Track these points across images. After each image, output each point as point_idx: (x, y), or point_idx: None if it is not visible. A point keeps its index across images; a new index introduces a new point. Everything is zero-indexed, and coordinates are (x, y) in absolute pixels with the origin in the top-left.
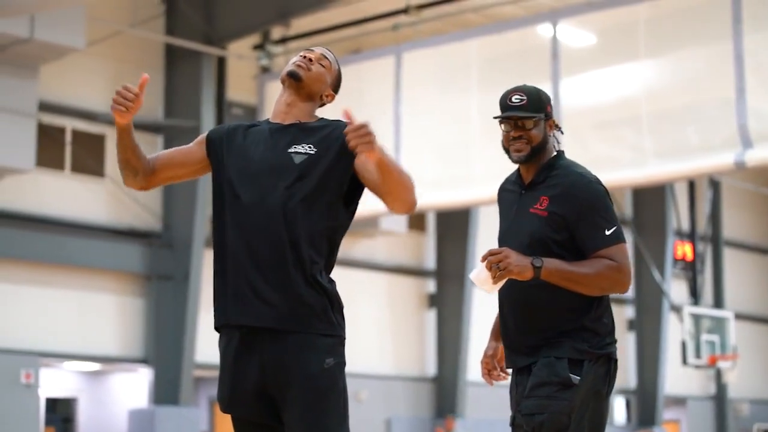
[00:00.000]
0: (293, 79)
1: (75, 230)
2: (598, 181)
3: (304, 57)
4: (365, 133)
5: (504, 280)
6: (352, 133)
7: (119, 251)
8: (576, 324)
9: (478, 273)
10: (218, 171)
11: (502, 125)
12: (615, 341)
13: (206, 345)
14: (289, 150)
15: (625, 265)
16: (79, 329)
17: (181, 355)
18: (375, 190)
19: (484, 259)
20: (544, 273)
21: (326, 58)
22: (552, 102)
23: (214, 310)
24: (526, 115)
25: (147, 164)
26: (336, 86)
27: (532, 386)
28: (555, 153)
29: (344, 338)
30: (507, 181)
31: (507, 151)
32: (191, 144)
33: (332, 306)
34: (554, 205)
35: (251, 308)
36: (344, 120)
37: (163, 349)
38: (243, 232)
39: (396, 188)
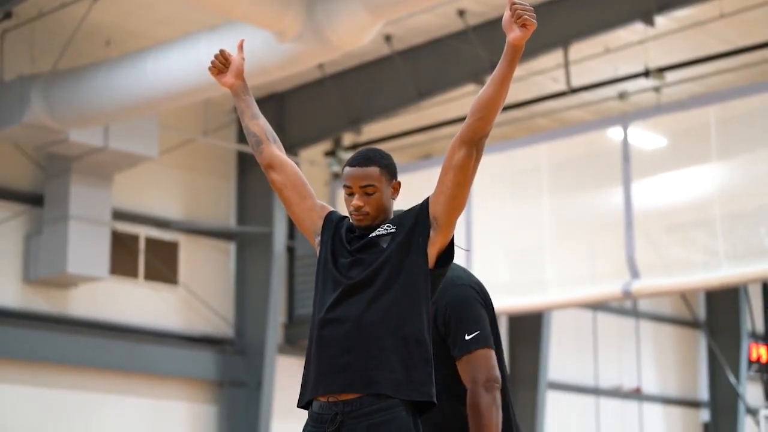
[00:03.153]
0: (363, 230)
1: (148, 337)
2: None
3: (355, 208)
4: (532, 9)
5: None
6: (520, 5)
7: (192, 358)
8: None
9: None
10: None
11: None
12: None
13: None
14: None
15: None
16: None
17: None
18: (481, 105)
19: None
20: None
21: (370, 184)
22: (624, 205)
23: None
24: None
25: (269, 140)
26: (393, 176)
27: None
28: None
29: None
30: None
31: None
32: (315, 198)
33: None
34: None
35: None
36: None
37: None
38: None
39: (502, 96)
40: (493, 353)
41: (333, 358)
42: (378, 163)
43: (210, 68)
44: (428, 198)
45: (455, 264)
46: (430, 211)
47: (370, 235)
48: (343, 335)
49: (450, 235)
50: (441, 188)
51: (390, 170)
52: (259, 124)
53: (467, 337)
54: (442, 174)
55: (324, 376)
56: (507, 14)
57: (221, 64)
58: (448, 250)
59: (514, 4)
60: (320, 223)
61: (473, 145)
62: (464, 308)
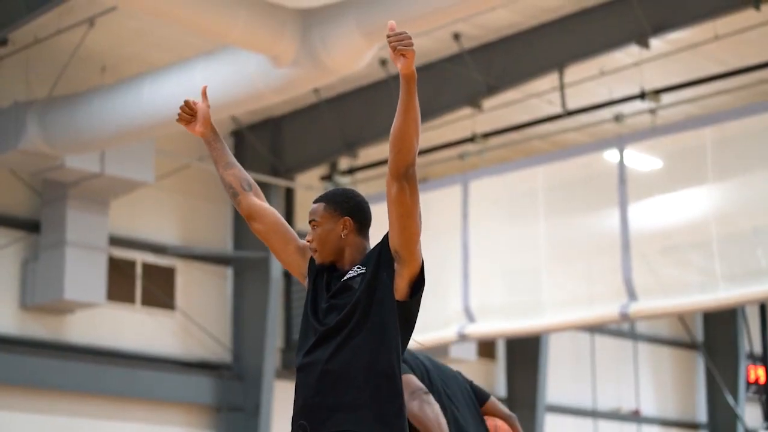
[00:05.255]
0: (336, 271)
1: (145, 363)
2: None
3: (309, 242)
4: (406, 37)
5: None
6: (393, 36)
7: (189, 383)
8: None
9: None
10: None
11: None
12: None
13: None
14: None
15: None
16: None
17: None
18: (392, 138)
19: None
20: None
21: (314, 219)
22: (620, 227)
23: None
24: None
25: (245, 190)
26: (344, 213)
27: None
28: None
29: None
30: None
31: None
32: (298, 240)
33: None
34: None
35: None
36: (390, 31)
37: None
38: None
39: (411, 125)
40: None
41: (306, 400)
42: (325, 200)
43: (177, 120)
44: (387, 233)
45: None
46: (390, 246)
47: (344, 279)
48: (315, 378)
49: (416, 264)
50: (391, 223)
51: (340, 207)
52: (234, 173)
53: None
54: (388, 209)
55: (299, 417)
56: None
57: (187, 114)
58: (420, 279)
59: (389, 37)
60: (305, 266)
61: (401, 178)
62: None
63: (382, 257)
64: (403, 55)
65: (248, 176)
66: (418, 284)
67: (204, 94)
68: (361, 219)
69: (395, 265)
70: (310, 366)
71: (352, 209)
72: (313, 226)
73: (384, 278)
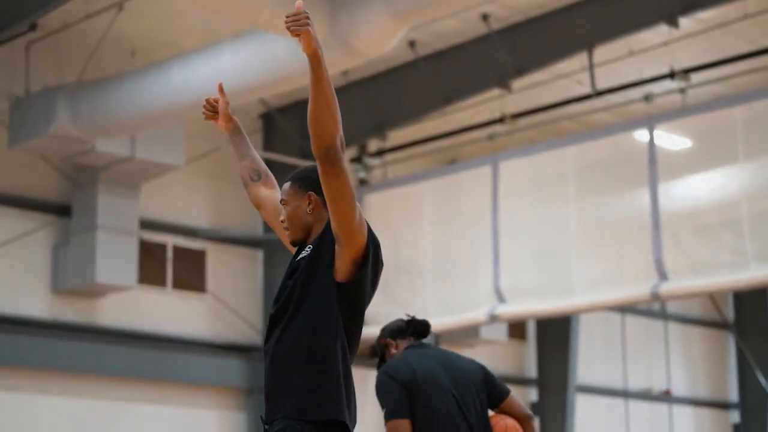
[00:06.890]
0: (295, 245)
1: (177, 346)
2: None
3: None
4: (303, 17)
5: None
6: (290, 17)
7: (220, 366)
8: None
9: None
10: None
11: None
12: None
13: None
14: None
15: None
16: None
17: None
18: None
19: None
20: None
21: (283, 198)
22: (651, 207)
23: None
24: None
25: (253, 181)
26: (308, 188)
27: None
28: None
29: None
30: None
31: None
32: None
33: None
34: None
35: None
36: (296, 10)
37: None
38: None
39: (322, 106)
40: (400, 423)
41: (264, 389)
42: (291, 178)
43: (204, 118)
44: None
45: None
46: (331, 227)
47: (296, 259)
48: (267, 366)
49: (356, 245)
50: (328, 205)
51: (304, 183)
52: (245, 165)
53: (383, 412)
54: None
55: (263, 406)
56: None
57: (210, 111)
58: (365, 259)
59: (286, 17)
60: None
61: (323, 161)
62: (378, 392)
63: (326, 238)
64: (299, 35)
65: (260, 165)
66: (363, 265)
67: (220, 90)
68: None
69: (336, 246)
70: (265, 354)
71: (315, 183)
72: (283, 205)
73: (326, 259)
